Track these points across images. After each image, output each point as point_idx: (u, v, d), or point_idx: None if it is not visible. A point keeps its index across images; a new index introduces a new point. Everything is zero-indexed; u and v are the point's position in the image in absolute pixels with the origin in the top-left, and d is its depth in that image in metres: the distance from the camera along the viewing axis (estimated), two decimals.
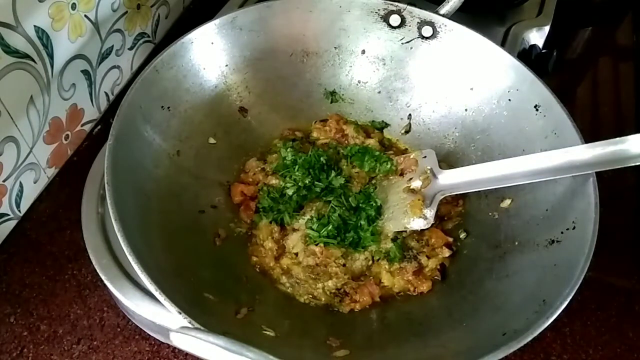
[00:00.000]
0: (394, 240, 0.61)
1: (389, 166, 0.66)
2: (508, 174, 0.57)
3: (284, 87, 0.72)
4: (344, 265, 0.60)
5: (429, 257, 0.61)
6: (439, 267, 0.60)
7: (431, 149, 0.67)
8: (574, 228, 0.53)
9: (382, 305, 0.58)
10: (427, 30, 0.69)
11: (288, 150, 0.66)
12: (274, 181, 0.65)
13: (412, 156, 0.67)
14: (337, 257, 0.60)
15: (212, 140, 0.67)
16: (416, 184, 0.64)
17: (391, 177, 0.67)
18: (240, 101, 0.70)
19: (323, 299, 0.58)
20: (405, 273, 0.60)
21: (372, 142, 0.70)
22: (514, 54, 0.73)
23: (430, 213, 0.61)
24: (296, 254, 0.61)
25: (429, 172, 0.64)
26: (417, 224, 0.61)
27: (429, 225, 0.61)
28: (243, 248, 0.62)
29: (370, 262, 0.61)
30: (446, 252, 0.61)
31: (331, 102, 0.74)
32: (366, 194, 0.64)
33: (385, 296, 0.59)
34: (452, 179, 0.62)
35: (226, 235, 0.61)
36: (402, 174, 0.66)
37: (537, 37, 0.89)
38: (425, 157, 0.66)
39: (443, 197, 0.62)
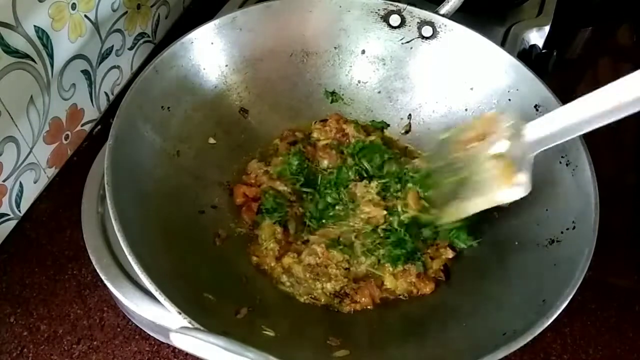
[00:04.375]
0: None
1: (394, 167, 0.65)
2: (605, 110, 0.46)
3: (284, 87, 0.72)
4: (347, 269, 0.60)
5: (432, 258, 0.61)
6: (442, 268, 0.60)
7: (431, 149, 0.67)
8: (574, 228, 0.53)
9: (383, 306, 0.58)
10: (427, 30, 0.69)
11: (294, 156, 0.65)
12: (281, 187, 0.64)
13: (488, 116, 0.56)
14: (338, 261, 0.60)
15: (212, 141, 0.67)
16: (501, 146, 0.52)
17: (469, 146, 0.56)
18: (240, 101, 0.70)
19: (322, 299, 0.58)
20: (408, 275, 0.59)
21: (374, 139, 0.69)
22: (514, 54, 0.73)
23: (525, 178, 0.51)
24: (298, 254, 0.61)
25: (512, 129, 0.53)
26: (512, 194, 0.52)
27: (528, 191, 0.52)
28: (243, 248, 0.62)
29: (376, 265, 0.60)
30: (450, 253, 0.61)
31: (331, 102, 0.74)
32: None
33: (387, 298, 0.59)
34: (541, 130, 0.51)
35: (226, 235, 0.61)
36: (481, 139, 0.55)
37: (537, 37, 0.89)
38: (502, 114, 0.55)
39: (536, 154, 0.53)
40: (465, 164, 0.56)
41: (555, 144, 0.51)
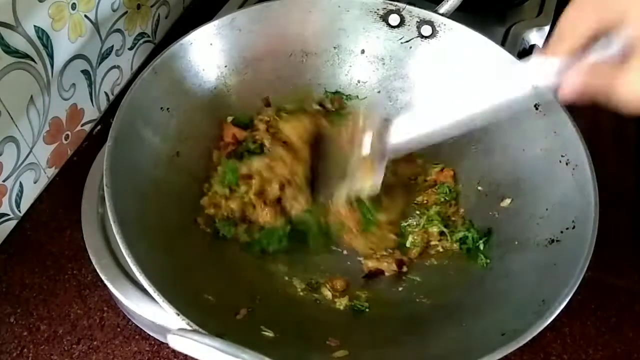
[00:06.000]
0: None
1: None
2: (457, 122, 0.53)
3: (283, 87, 0.72)
4: None
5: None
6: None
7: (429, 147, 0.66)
8: (573, 228, 0.53)
9: (382, 305, 0.58)
10: (426, 30, 0.69)
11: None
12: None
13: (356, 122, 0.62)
14: None
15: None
16: (365, 149, 0.58)
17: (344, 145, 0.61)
18: (240, 101, 0.70)
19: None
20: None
21: None
22: (514, 53, 0.73)
23: (378, 179, 0.58)
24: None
25: (377, 134, 0.58)
26: (367, 189, 0.59)
27: (376, 190, 0.59)
28: (244, 249, 0.62)
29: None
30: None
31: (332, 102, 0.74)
32: None
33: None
34: (399, 138, 0.57)
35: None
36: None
37: (537, 37, 0.89)
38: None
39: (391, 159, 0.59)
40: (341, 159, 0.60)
41: (412, 151, 0.58)
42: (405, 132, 0.56)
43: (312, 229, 0.62)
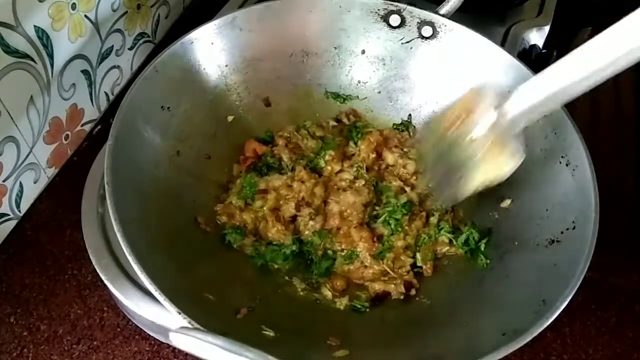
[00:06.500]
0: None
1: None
2: (585, 74, 0.44)
3: (284, 87, 0.72)
4: None
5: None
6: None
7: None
8: (574, 228, 0.53)
9: (382, 306, 0.58)
10: (427, 30, 0.69)
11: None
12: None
13: (467, 95, 0.53)
14: None
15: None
16: (481, 127, 0.50)
17: (451, 131, 0.54)
18: (240, 101, 0.70)
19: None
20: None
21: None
22: (514, 54, 0.73)
23: (513, 151, 0.50)
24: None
25: (492, 106, 0.50)
26: (504, 171, 0.52)
27: (521, 160, 0.52)
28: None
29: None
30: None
31: (331, 103, 0.74)
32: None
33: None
34: (523, 103, 0.48)
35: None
36: (464, 119, 0.53)
37: (537, 37, 0.89)
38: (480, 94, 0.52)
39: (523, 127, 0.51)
40: (451, 149, 0.54)
41: (540, 116, 0.49)
42: (527, 97, 0.48)
43: (316, 253, 0.61)
